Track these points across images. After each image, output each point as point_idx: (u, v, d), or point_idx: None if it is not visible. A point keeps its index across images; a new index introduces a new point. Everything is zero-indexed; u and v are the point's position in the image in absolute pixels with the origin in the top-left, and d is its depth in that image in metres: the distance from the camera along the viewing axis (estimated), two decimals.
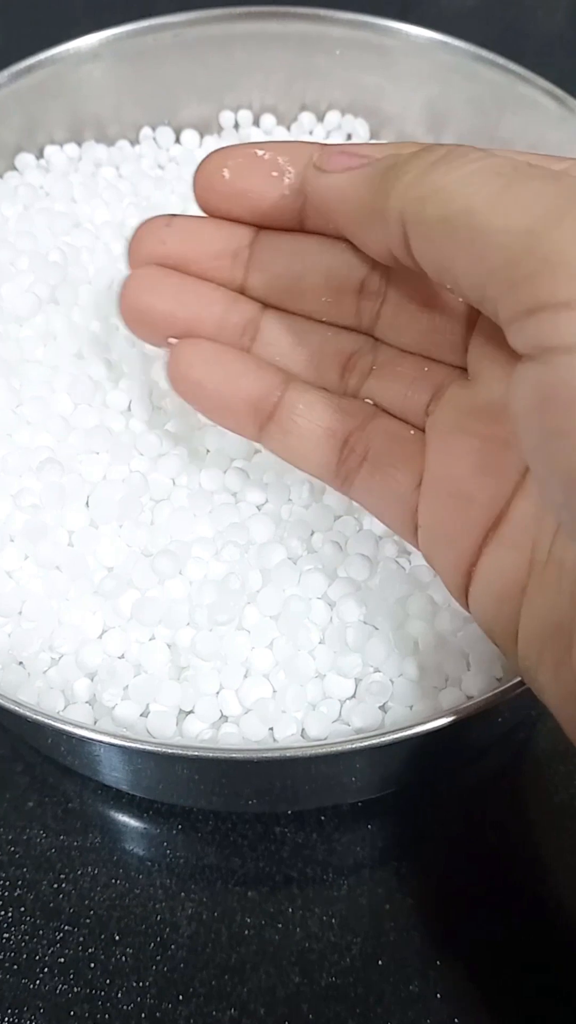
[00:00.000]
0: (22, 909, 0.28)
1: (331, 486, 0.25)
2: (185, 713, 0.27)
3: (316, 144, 0.23)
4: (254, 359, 0.25)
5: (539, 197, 0.17)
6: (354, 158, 0.22)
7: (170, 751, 0.23)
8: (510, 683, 0.24)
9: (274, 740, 0.26)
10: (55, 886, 0.28)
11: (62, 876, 0.29)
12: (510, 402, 0.18)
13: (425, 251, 0.19)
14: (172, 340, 0.25)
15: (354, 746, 0.23)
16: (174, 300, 0.25)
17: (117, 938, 0.27)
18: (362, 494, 0.25)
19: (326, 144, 0.23)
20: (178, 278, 0.25)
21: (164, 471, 0.29)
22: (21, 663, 0.27)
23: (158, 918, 0.28)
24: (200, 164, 0.24)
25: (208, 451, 0.30)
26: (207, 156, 0.24)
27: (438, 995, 0.26)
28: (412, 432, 0.24)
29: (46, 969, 0.27)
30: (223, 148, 0.24)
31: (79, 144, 0.41)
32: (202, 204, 0.25)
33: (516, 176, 0.17)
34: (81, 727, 0.24)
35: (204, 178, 0.24)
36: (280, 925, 0.28)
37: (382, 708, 0.26)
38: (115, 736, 0.23)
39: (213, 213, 0.25)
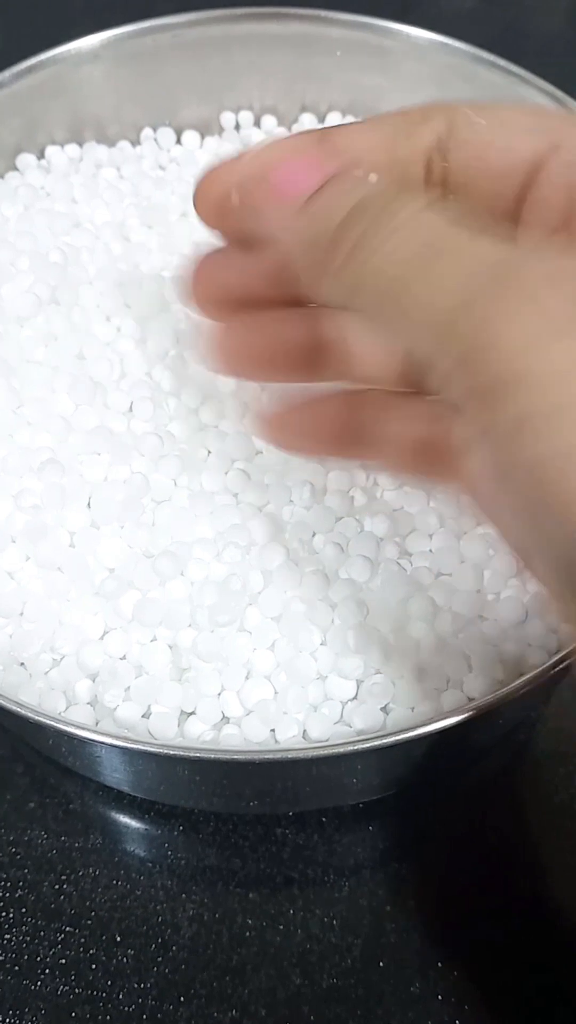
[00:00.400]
0: (23, 910, 0.28)
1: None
2: (187, 714, 0.27)
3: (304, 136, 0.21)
4: None
5: (464, 273, 0.16)
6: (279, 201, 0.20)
7: (171, 752, 0.23)
8: (511, 685, 0.24)
9: (275, 741, 0.26)
10: (56, 887, 0.28)
11: (63, 877, 0.29)
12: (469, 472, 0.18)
13: (368, 324, 0.19)
14: None
15: (355, 748, 0.23)
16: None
17: (118, 939, 0.27)
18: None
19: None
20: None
21: (165, 472, 0.29)
22: (22, 664, 0.27)
23: (159, 919, 0.28)
24: (200, 189, 0.22)
25: (209, 452, 0.30)
26: (205, 180, 0.22)
27: (439, 996, 0.27)
28: None
29: (47, 970, 0.27)
30: (215, 171, 0.22)
31: (80, 144, 0.41)
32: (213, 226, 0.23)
33: (444, 246, 0.17)
34: (82, 728, 0.24)
35: (209, 201, 0.23)
36: (281, 926, 0.28)
37: (383, 710, 0.26)
38: (116, 737, 0.23)
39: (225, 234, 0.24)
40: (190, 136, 0.42)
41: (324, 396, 0.24)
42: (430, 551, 0.29)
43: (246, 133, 0.43)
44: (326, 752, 0.23)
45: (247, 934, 0.28)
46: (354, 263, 0.18)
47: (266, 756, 0.23)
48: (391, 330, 0.18)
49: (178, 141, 0.43)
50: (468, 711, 0.23)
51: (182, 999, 0.27)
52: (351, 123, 0.21)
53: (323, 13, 0.40)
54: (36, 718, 0.23)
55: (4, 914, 0.28)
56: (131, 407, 0.31)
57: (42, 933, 0.28)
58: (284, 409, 0.24)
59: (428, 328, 0.16)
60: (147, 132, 0.42)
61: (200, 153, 0.42)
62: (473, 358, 0.16)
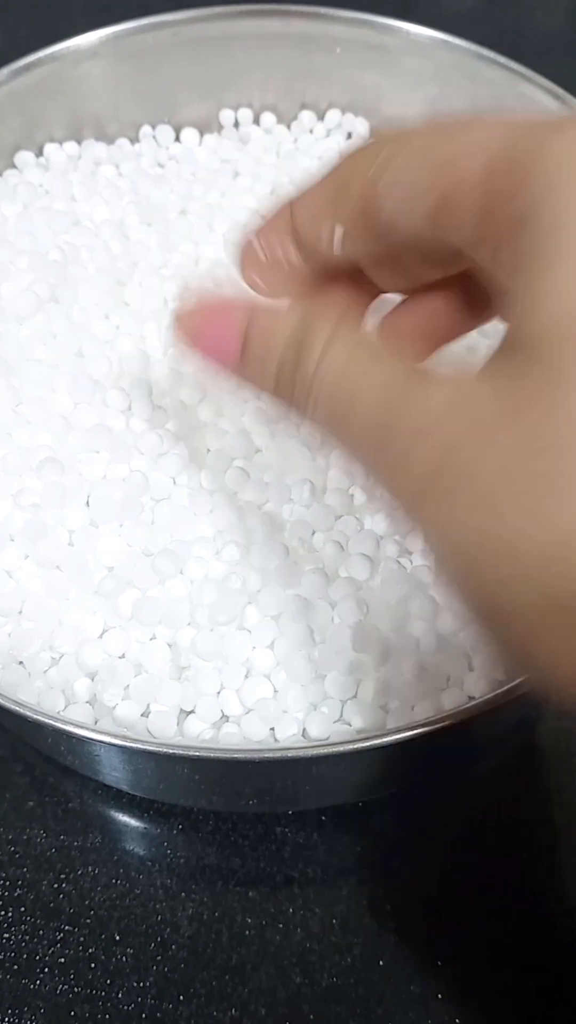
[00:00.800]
0: (22, 909, 0.28)
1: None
2: (186, 713, 0.27)
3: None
4: None
5: (389, 377, 0.17)
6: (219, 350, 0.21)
7: (171, 751, 0.23)
8: (512, 683, 0.24)
9: (275, 740, 0.26)
10: (55, 886, 0.28)
11: (62, 876, 0.28)
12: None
13: None
14: None
15: (355, 746, 0.23)
16: None
17: (117, 938, 0.27)
18: None
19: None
20: None
21: (164, 470, 0.29)
22: (21, 663, 0.27)
23: (158, 918, 0.28)
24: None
25: (208, 450, 0.30)
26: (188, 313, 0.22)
27: (439, 995, 0.26)
28: None
29: (46, 969, 0.27)
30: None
31: (79, 142, 0.41)
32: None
33: (348, 389, 0.18)
34: (81, 727, 0.23)
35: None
36: (281, 925, 0.28)
37: (383, 708, 0.26)
38: (115, 736, 0.23)
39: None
40: (189, 134, 0.42)
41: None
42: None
43: (245, 131, 0.43)
44: (326, 751, 0.23)
45: (247, 933, 0.28)
46: (304, 412, 0.19)
47: (266, 755, 0.23)
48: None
49: (177, 139, 0.43)
50: (468, 710, 0.23)
51: (182, 998, 0.26)
52: (307, 189, 0.21)
53: (323, 10, 0.40)
54: (35, 717, 0.23)
55: (3, 913, 0.28)
56: (130, 405, 0.31)
57: (41, 932, 0.28)
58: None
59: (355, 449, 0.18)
60: (146, 130, 0.42)
61: (199, 151, 0.42)
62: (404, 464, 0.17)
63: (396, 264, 0.22)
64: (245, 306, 0.20)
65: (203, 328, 0.21)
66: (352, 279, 0.23)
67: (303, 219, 0.21)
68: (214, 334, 0.21)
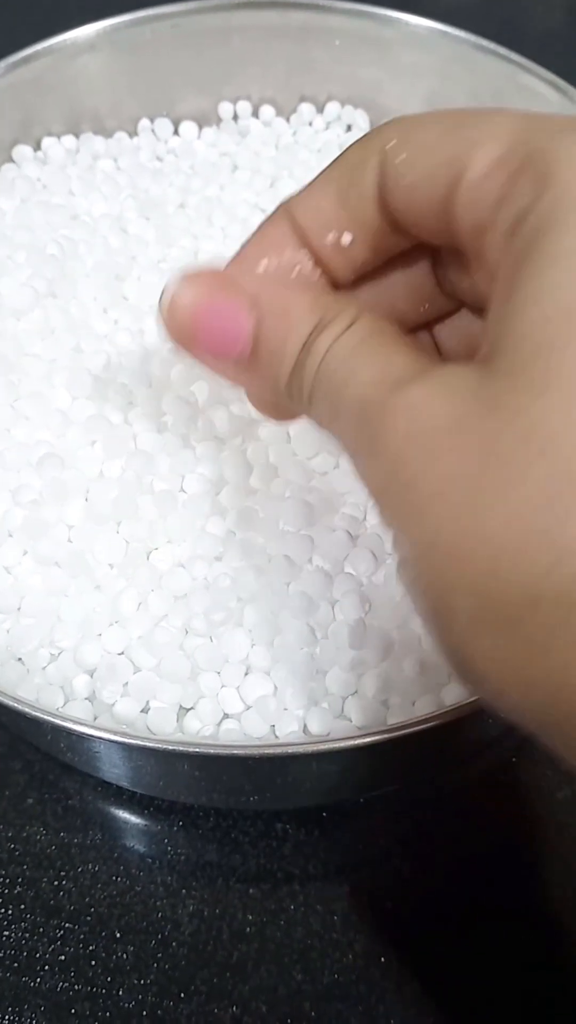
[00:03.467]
0: (22, 907, 0.28)
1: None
2: (185, 710, 0.26)
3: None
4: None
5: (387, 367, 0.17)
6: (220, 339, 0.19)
7: (171, 748, 0.23)
8: None
9: (275, 736, 0.26)
10: (55, 883, 0.28)
11: (62, 873, 0.28)
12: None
13: None
14: None
15: (356, 743, 0.23)
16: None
17: (118, 936, 0.27)
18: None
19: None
20: None
21: (164, 466, 0.29)
22: (20, 659, 0.27)
23: (159, 915, 0.28)
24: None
25: (209, 444, 0.30)
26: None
27: (440, 992, 0.26)
28: None
29: (46, 967, 0.27)
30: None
31: (76, 136, 0.41)
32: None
33: (373, 336, 0.17)
34: (80, 723, 0.23)
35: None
36: (282, 922, 0.28)
37: (384, 704, 0.26)
38: (115, 733, 0.23)
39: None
40: (188, 127, 0.42)
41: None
42: None
43: (244, 124, 0.43)
44: (326, 747, 0.23)
45: (247, 930, 0.27)
46: (302, 404, 0.19)
47: (266, 751, 0.23)
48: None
49: (176, 132, 0.42)
50: (469, 706, 0.23)
51: (182, 996, 0.26)
52: (307, 186, 0.20)
53: (322, 2, 0.40)
54: (34, 714, 0.23)
55: (3, 911, 0.28)
56: (129, 401, 0.31)
57: (41, 930, 0.27)
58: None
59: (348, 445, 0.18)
60: (144, 123, 0.42)
61: (198, 144, 0.42)
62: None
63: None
64: (246, 293, 0.19)
65: (204, 321, 0.19)
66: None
67: (312, 223, 0.20)
68: (218, 327, 0.19)
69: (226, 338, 0.19)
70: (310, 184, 0.20)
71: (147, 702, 0.26)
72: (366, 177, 0.19)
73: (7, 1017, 0.26)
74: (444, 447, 0.15)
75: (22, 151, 0.40)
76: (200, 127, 0.42)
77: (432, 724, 0.23)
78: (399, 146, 0.18)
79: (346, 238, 0.19)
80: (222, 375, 0.20)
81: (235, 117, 0.43)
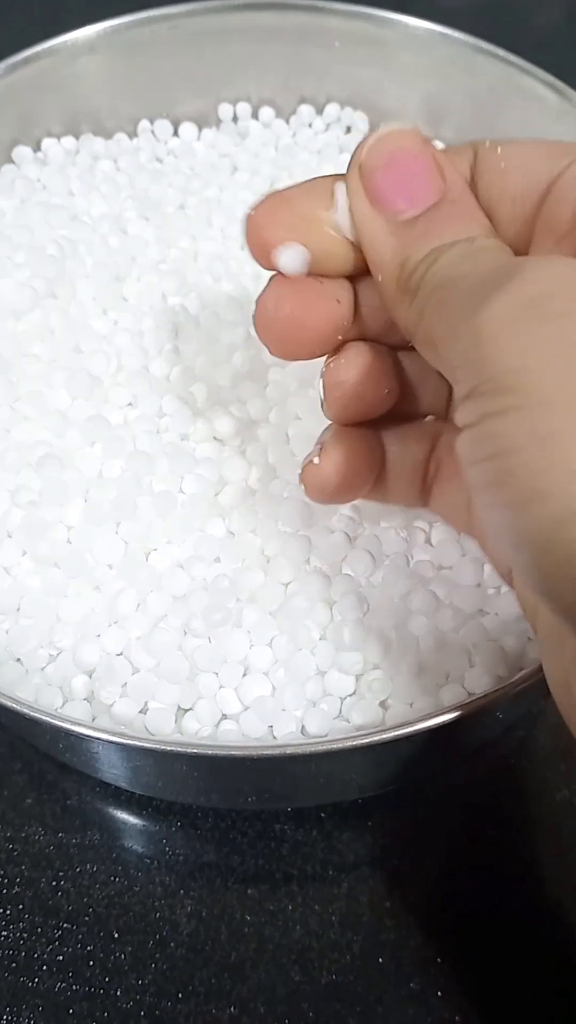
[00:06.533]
0: (21, 907, 0.28)
1: (414, 507, 0.26)
2: (184, 710, 0.26)
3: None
4: None
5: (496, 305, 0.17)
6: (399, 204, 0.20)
7: (169, 748, 0.23)
8: (511, 680, 0.24)
9: (274, 737, 0.26)
10: (54, 884, 0.28)
11: (61, 874, 0.28)
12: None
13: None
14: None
15: (354, 743, 0.23)
16: None
17: (116, 936, 0.27)
18: (438, 505, 0.25)
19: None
20: None
21: (163, 466, 0.29)
22: (19, 660, 0.27)
23: (157, 916, 0.28)
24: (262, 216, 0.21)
25: (208, 445, 0.30)
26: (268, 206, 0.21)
27: (439, 993, 0.26)
28: None
29: (45, 967, 0.27)
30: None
31: (76, 137, 0.41)
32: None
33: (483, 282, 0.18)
34: (79, 724, 0.23)
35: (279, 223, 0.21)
36: (280, 923, 0.28)
37: (382, 705, 0.26)
38: (113, 733, 0.23)
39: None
40: (187, 128, 0.42)
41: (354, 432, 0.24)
42: (431, 544, 0.28)
43: (244, 125, 0.43)
44: (324, 748, 0.23)
45: (246, 930, 0.27)
46: (422, 299, 0.19)
47: (264, 752, 0.23)
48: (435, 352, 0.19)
49: (175, 133, 0.42)
50: (468, 707, 0.23)
51: (180, 996, 0.26)
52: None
53: (321, 3, 0.40)
54: (32, 714, 0.23)
55: (1, 911, 0.28)
56: (128, 401, 0.31)
57: (40, 930, 0.27)
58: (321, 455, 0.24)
59: (454, 340, 0.17)
60: (144, 124, 0.42)
61: (197, 145, 0.42)
62: (473, 362, 0.16)
63: None
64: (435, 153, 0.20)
65: (401, 157, 0.20)
66: None
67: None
68: (411, 174, 0.20)
69: (424, 185, 0.20)
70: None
71: (146, 703, 0.26)
72: (458, 160, 0.20)
73: (5, 1017, 0.26)
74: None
75: (22, 152, 0.40)
76: (200, 128, 0.42)
77: (430, 725, 0.23)
78: (492, 145, 0.20)
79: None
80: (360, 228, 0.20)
81: (235, 118, 0.43)
